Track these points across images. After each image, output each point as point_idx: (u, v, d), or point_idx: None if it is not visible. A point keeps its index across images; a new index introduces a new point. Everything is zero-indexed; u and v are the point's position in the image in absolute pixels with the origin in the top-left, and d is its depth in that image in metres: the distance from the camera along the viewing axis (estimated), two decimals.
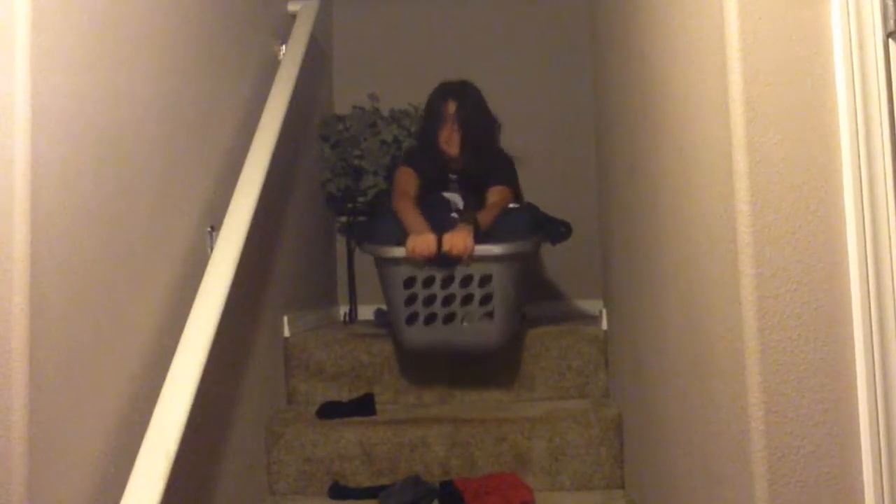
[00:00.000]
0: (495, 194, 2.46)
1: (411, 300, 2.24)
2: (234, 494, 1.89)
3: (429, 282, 2.23)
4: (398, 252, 2.22)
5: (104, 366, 1.34)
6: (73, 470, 1.23)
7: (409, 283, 2.23)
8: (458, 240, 2.17)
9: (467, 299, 2.23)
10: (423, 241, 2.18)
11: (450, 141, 2.51)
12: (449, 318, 2.24)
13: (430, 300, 2.24)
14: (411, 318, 2.24)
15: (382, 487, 2.03)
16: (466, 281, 2.22)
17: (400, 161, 2.66)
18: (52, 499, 1.17)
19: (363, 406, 2.27)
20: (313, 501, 2.07)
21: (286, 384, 2.39)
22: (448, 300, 2.23)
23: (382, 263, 2.29)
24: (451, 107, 2.50)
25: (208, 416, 1.71)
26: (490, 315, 2.22)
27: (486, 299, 2.22)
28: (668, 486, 1.54)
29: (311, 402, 2.34)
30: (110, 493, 1.28)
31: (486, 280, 2.21)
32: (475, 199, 2.47)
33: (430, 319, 2.24)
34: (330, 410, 2.24)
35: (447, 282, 2.22)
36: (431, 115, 2.56)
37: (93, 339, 1.30)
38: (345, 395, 2.35)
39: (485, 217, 2.32)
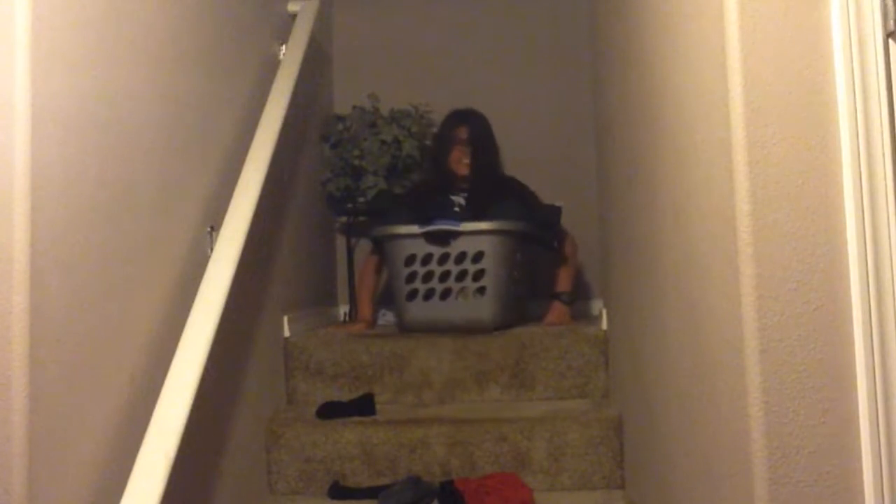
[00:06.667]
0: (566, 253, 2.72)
1: (412, 277, 2.47)
2: (234, 494, 1.89)
3: (427, 259, 2.47)
4: (402, 229, 2.48)
5: (104, 365, 1.34)
6: (73, 470, 1.23)
7: (410, 260, 2.47)
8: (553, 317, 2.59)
9: (462, 276, 2.45)
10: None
11: (460, 162, 2.74)
12: (446, 294, 2.46)
13: (428, 276, 2.47)
14: (411, 295, 2.47)
15: (382, 487, 2.03)
16: (461, 257, 2.45)
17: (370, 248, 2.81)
18: (52, 499, 1.17)
19: (363, 406, 2.27)
20: (313, 501, 2.07)
21: (286, 384, 2.39)
22: (444, 276, 2.46)
23: (386, 242, 2.56)
24: (463, 131, 2.75)
25: (208, 416, 1.71)
26: (482, 291, 2.43)
27: (478, 275, 2.44)
28: (668, 486, 1.54)
29: (311, 402, 2.33)
30: (110, 493, 1.28)
31: (478, 256, 2.44)
32: (479, 210, 2.61)
33: (429, 295, 2.47)
34: (330, 410, 2.24)
35: (444, 258, 2.46)
36: (443, 139, 2.80)
37: (93, 338, 1.30)
38: (345, 395, 2.35)
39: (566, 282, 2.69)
